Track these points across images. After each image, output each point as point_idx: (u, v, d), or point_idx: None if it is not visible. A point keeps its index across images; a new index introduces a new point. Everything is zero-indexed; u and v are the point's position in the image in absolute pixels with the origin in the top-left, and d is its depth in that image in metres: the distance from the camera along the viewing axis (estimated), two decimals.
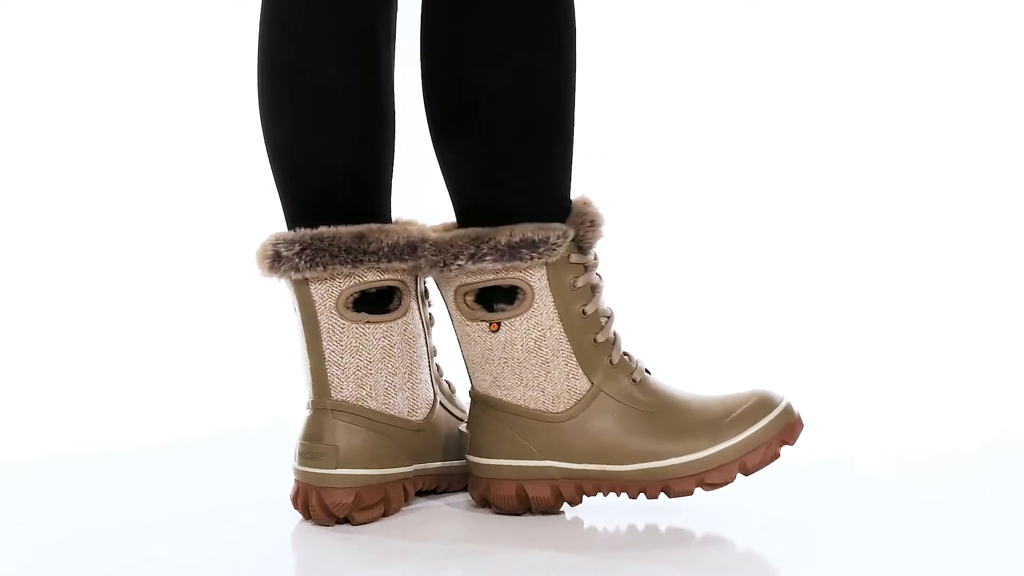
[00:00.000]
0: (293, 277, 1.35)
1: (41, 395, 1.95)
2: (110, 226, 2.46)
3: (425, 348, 1.43)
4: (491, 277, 1.35)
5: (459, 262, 1.35)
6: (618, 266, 1.65)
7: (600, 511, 1.38)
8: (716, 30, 2.56)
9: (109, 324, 2.26)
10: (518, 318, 1.36)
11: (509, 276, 1.35)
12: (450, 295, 1.38)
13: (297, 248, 1.34)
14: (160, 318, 2.30)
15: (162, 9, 2.56)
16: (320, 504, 1.35)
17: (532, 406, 1.37)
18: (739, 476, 1.35)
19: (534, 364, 1.36)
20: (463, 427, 1.41)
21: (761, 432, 1.34)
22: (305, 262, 1.34)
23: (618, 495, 1.36)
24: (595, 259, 1.38)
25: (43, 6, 2.52)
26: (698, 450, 1.34)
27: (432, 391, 1.44)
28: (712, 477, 1.33)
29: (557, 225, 1.35)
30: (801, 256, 2.45)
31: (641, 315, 1.61)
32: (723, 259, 2.46)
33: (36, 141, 2.51)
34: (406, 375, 1.40)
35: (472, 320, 1.37)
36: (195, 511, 1.42)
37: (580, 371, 1.36)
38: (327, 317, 1.36)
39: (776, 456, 1.35)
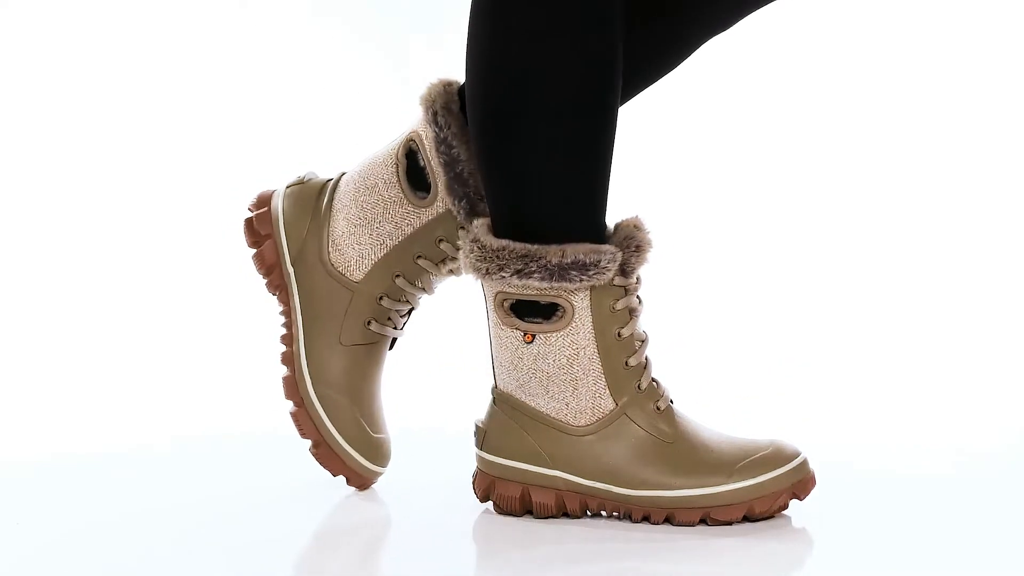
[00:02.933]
0: None
1: (41, 395, 1.95)
2: (111, 226, 2.46)
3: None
4: (534, 293, 1.35)
5: (503, 274, 1.35)
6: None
7: None
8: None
9: (109, 323, 2.26)
10: (554, 334, 1.36)
11: (552, 294, 1.35)
12: (491, 296, 1.38)
13: None
14: (160, 317, 2.30)
15: (162, 9, 2.56)
16: None
17: (554, 415, 1.37)
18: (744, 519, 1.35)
19: (563, 379, 1.37)
20: (477, 421, 1.41)
21: (774, 481, 1.35)
22: None
23: (621, 517, 1.36)
24: (637, 282, 1.38)
25: (43, 6, 2.52)
26: (709, 486, 1.34)
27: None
28: (718, 514, 1.34)
29: (608, 248, 1.35)
30: (801, 257, 2.45)
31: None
32: (723, 260, 2.46)
33: (36, 142, 2.51)
34: None
35: (507, 326, 1.37)
36: (196, 512, 1.43)
37: (607, 391, 1.37)
38: None
39: (784, 507, 1.36)
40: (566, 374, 1.36)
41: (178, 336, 2.24)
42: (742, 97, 2.59)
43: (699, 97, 2.55)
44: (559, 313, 1.35)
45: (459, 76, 1.44)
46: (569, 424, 1.37)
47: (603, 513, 1.37)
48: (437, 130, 1.42)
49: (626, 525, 1.35)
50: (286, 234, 1.48)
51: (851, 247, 2.47)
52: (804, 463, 1.36)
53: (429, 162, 1.43)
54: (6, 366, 2.08)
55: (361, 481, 1.46)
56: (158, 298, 2.35)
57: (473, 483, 1.41)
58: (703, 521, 1.34)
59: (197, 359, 2.14)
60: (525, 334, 1.36)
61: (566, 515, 1.37)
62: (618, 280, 1.36)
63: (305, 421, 1.45)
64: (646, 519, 1.35)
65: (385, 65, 2.60)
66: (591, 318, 1.36)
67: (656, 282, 1.44)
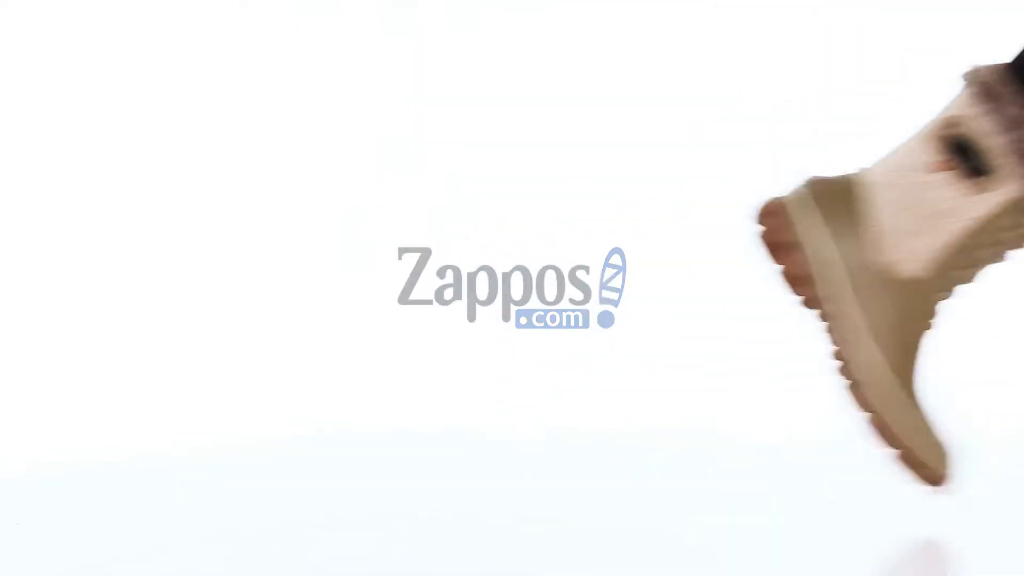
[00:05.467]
0: None
1: (41, 396, 1.95)
2: (110, 229, 2.46)
3: None
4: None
5: None
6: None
7: (596, 506, 1.38)
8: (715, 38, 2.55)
9: (112, 325, 2.27)
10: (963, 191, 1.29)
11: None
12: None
13: None
14: (165, 320, 2.30)
15: (162, 9, 2.56)
16: None
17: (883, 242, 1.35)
18: None
19: (915, 223, 1.34)
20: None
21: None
22: None
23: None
24: None
25: (43, 6, 2.52)
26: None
27: None
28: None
29: None
30: None
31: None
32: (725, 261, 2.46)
33: (35, 142, 2.51)
34: None
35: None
36: (194, 513, 1.43)
37: (932, 266, 1.36)
38: None
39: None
40: (927, 223, 1.30)
41: (185, 340, 2.24)
42: (747, 99, 2.59)
43: (706, 101, 2.55)
44: (991, 178, 1.28)
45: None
46: (887, 259, 1.31)
47: None
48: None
49: (626, 525, 1.34)
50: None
51: None
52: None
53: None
54: (6, 367, 2.08)
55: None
56: (158, 299, 2.35)
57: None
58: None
59: (198, 362, 2.14)
60: (939, 163, 1.29)
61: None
62: None
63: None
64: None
65: (385, 64, 2.60)
66: (993, 214, 1.29)
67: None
